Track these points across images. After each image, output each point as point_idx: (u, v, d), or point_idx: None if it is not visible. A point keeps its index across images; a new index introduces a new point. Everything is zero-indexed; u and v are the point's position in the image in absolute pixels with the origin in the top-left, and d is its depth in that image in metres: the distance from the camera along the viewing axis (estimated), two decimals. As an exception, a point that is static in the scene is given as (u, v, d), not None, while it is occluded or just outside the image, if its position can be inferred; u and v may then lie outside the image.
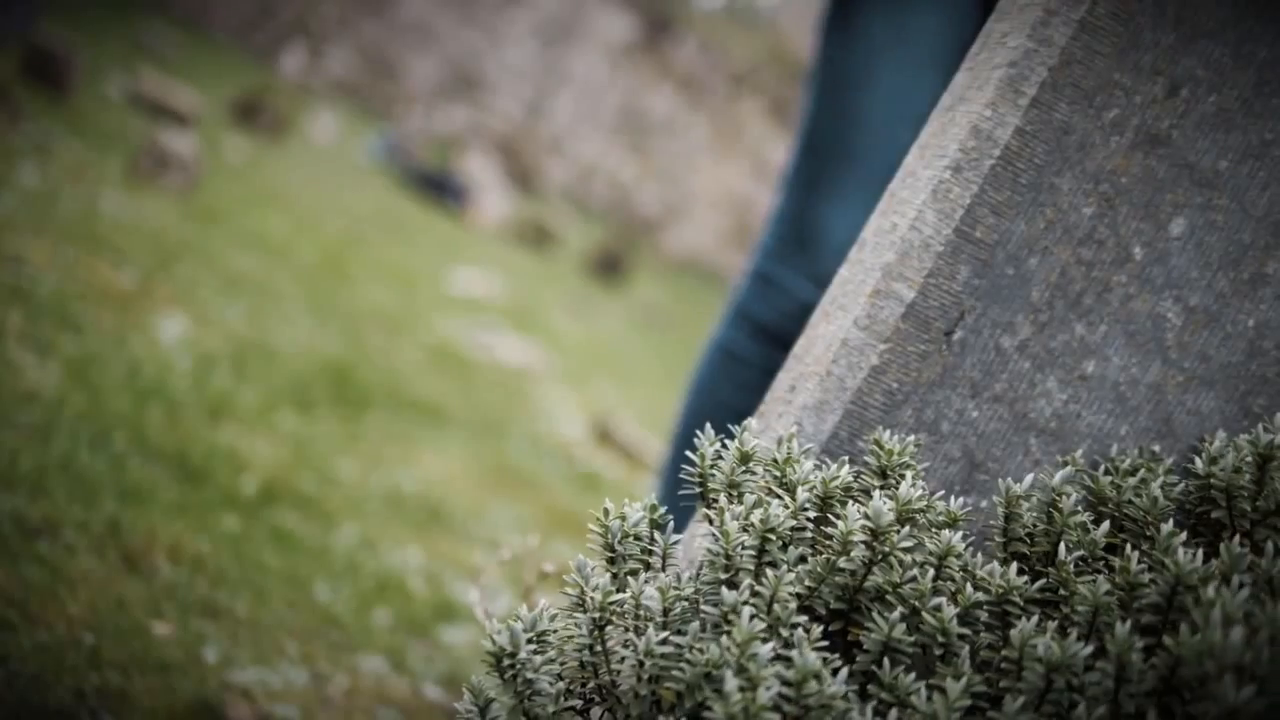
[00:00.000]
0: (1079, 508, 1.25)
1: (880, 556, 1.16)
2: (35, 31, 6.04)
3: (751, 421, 1.34)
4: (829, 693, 1.02)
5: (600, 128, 12.73)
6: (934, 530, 1.23)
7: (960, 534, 1.20)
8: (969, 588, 1.15)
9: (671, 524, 1.30)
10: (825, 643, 1.10)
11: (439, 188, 9.25)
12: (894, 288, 1.37)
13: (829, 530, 1.19)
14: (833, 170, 2.16)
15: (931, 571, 1.15)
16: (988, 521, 1.37)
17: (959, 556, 1.18)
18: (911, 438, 1.32)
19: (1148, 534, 1.25)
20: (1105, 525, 1.23)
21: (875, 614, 1.13)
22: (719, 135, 12.56)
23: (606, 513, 1.28)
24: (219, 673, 2.04)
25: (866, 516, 1.16)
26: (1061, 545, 1.21)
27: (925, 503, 1.22)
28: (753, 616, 1.07)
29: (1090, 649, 1.06)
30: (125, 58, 8.06)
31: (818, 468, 1.31)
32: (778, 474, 1.27)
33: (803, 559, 1.19)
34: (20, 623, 1.90)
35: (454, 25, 12.13)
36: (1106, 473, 1.36)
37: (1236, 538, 1.16)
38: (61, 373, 2.85)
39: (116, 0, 10.24)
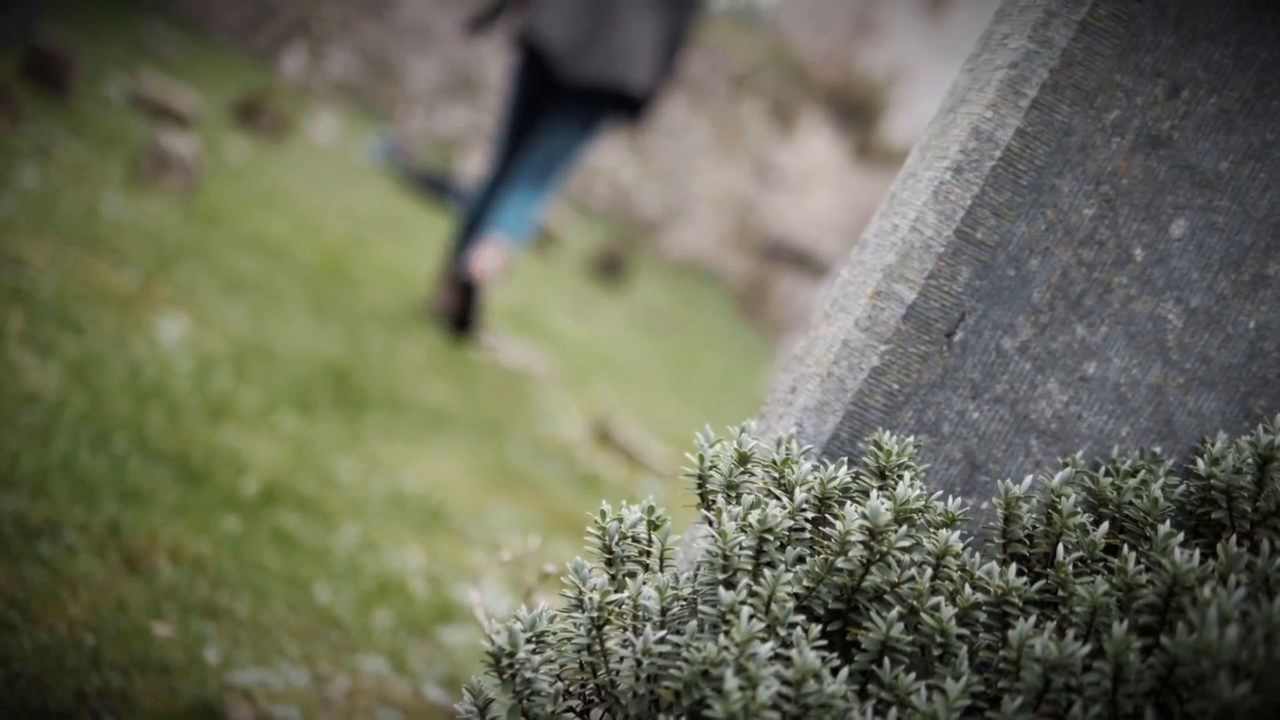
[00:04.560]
0: (1078, 509, 1.25)
1: (878, 556, 1.16)
2: (36, 32, 6.04)
3: (751, 422, 1.34)
4: (828, 692, 1.03)
5: (601, 129, 12.75)
6: (932, 530, 1.23)
7: (958, 534, 1.20)
8: (968, 588, 1.15)
9: (669, 524, 1.30)
10: (824, 642, 1.10)
11: (439, 189, 9.23)
12: (895, 289, 1.37)
13: (827, 530, 1.19)
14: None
15: (929, 571, 1.15)
16: (988, 523, 1.38)
17: (957, 556, 1.18)
18: (912, 439, 1.33)
19: (1147, 535, 1.25)
20: (1104, 526, 1.23)
21: (873, 613, 1.13)
22: (719, 136, 12.56)
23: (604, 514, 1.29)
24: (220, 674, 2.04)
25: (864, 516, 1.16)
26: (1060, 546, 1.21)
27: (923, 503, 1.22)
28: (751, 616, 1.08)
29: (1088, 649, 1.06)
30: (126, 59, 8.06)
31: (816, 469, 1.31)
32: (776, 475, 1.27)
33: (801, 559, 1.19)
34: (21, 624, 1.90)
35: (455, 26, 12.14)
36: (1107, 474, 1.36)
37: (1235, 538, 1.16)
38: (62, 374, 2.85)
39: (117, 1, 10.24)
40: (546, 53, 4.64)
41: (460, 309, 4.92)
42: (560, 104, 4.79)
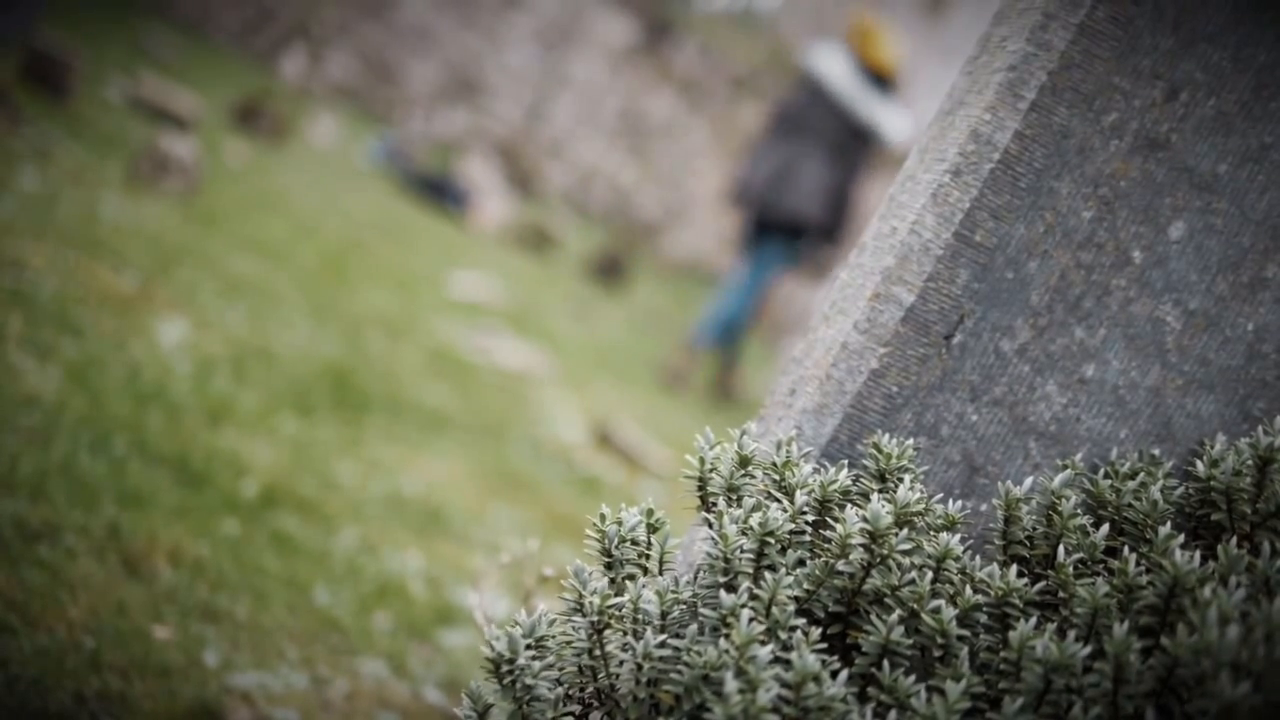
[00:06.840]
0: (1078, 511, 1.25)
1: (878, 559, 1.16)
2: (35, 35, 6.04)
3: (751, 425, 1.34)
4: (828, 694, 1.03)
5: (600, 131, 12.74)
6: (932, 533, 1.23)
7: (958, 537, 1.20)
8: (968, 590, 1.15)
9: (669, 527, 1.30)
10: (824, 645, 1.10)
11: (439, 191, 9.24)
12: (894, 291, 1.37)
13: (827, 533, 1.19)
14: None
15: (930, 574, 1.15)
16: (987, 525, 1.38)
17: (957, 559, 1.18)
18: (910, 441, 1.33)
19: (1147, 537, 1.25)
20: (1105, 528, 1.23)
21: (874, 616, 1.13)
22: (719, 138, 12.56)
23: (603, 517, 1.29)
24: (219, 676, 2.04)
25: (865, 519, 1.16)
26: (1061, 548, 1.21)
27: (923, 506, 1.22)
28: (751, 619, 1.08)
29: (1089, 650, 1.06)
30: (125, 61, 8.07)
31: (816, 471, 1.31)
32: (776, 477, 1.27)
33: (801, 562, 1.19)
34: (21, 626, 1.90)
35: (454, 29, 12.14)
36: (1106, 476, 1.36)
37: (1235, 540, 1.16)
38: (62, 376, 2.85)
39: (117, 3, 10.25)
40: (751, 201, 7.10)
41: (681, 369, 7.09)
42: (767, 236, 7.17)
